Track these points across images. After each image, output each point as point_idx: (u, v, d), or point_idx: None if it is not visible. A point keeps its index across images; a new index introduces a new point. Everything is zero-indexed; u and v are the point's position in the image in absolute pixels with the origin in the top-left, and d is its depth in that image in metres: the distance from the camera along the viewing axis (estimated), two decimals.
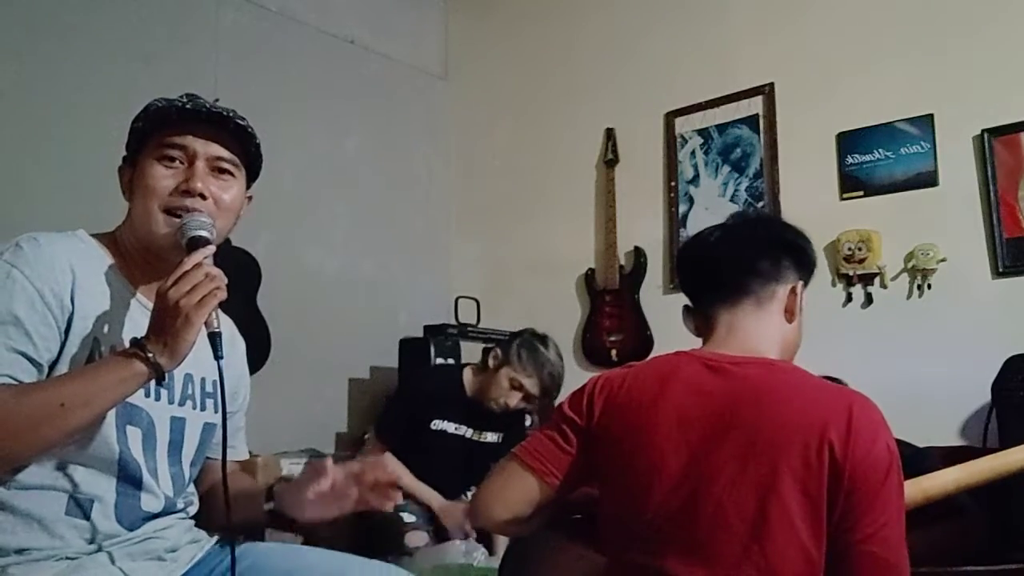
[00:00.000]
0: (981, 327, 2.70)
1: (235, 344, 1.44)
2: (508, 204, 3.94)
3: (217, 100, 1.26)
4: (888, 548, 1.09)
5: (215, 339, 1.13)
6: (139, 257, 1.25)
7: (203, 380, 1.32)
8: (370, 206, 3.70)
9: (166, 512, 1.24)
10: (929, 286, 2.82)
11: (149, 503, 1.21)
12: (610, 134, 3.62)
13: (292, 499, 1.26)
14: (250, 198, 1.35)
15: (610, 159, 3.59)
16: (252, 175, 1.33)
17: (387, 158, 3.83)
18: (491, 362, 2.76)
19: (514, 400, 2.71)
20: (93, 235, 1.26)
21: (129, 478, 1.18)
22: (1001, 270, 2.71)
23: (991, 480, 1.31)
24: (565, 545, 1.39)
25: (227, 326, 1.39)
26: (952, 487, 1.28)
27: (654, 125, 3.53)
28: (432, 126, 4.11)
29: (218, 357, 1.13)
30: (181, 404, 1.28)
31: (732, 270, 1.33)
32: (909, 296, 2.86)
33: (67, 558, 1.13)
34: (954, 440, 2.68)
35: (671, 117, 3.49)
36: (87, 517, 1.14)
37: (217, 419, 1.34)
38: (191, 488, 1.34)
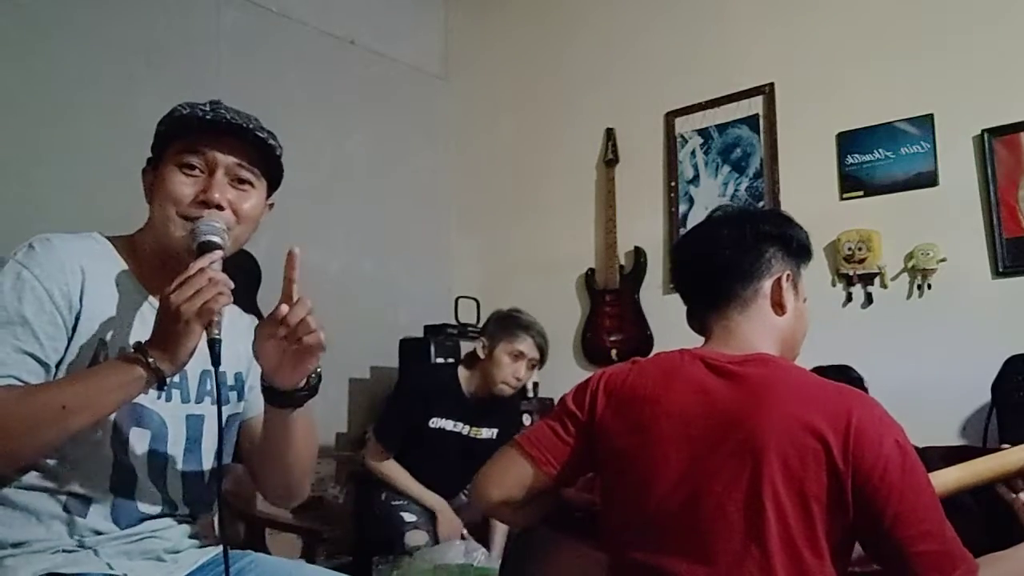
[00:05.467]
0: (981, 327, 2.70)
1: (236, 326, 1.39)
2: (508, 204, 3.94)
3: (218, 101, 1.27)
4: (934, 539, 1.09)
5: (214, 346, 1.12)
6: (156, 261, 1.24)
7: (223, 375, 1.31)
8: (370, 206, 3.71)
9: (165, 514, 1.24)
10: (929, 286, 2.82)
11: (146, 506, 1.21)
12: (610, 134, 3.62)
13: (265, 362, 1.20)
14: (271, 206, 1.35)
15: (610, 159, 3.59)
16: (273, 184, 1.34)
17: (387, 158, 3.83)
18: (482, 352, 2.78)
19: (522, 371, 2.75)
20: (110, 237, 1.27)
21: (125, 481, 1.19)
22: (1001, 270, 2.72)
23: (992, 480, 1.31)
24: (567, 543, 1.39)
25: (247, 318, 1.41)
26: (953, 486, 1.28)
27: (654, 125, 3.53)
28: (432, 126, 4.11)
29: (216, 364, 1.12)
30: (198, 402, 1.28)
31: (713, 275, 1.32)
32: (909, 296, 2.87)
33: (63, 551, 1.14)
34: (954, 440, 2.69)
35: (671, 117, 3.50)
36: (83, 516, 1.16)
37: (239, 408, 1.37)
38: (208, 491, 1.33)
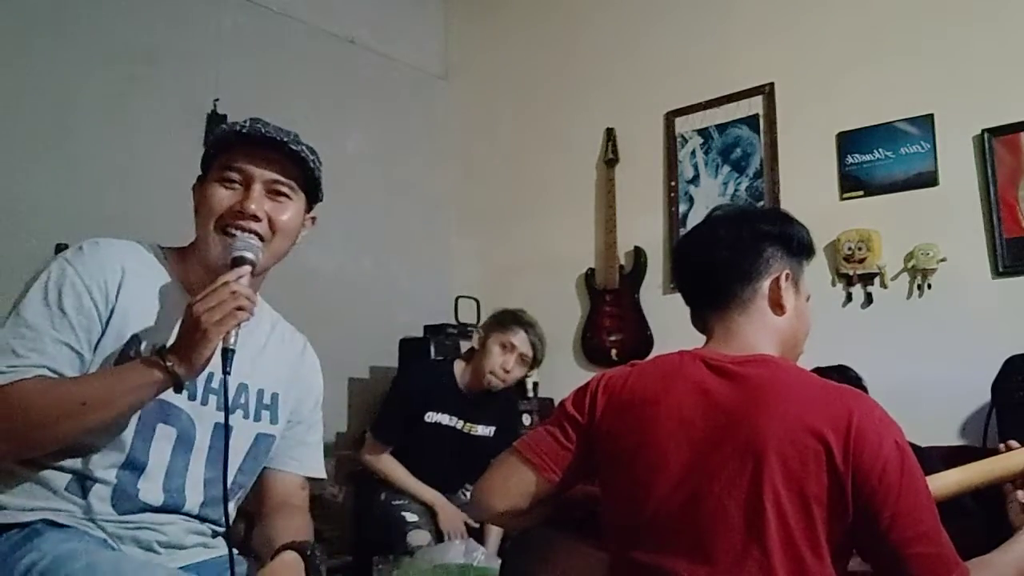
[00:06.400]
0: (981, 327, 2.70)
1: (304, 358, 1.51)
2: (508, 204, 3.94)
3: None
4: (930, 542, 1.09)
5: (227, 355, 1.18)
6: (202, 273, 1.29)
7: (260, 391, 1.37)
8: (370, 206, 3.70)
9: (169, 510, 1.26)
10: (929, 286, 2.82)
11: (148, 495, 1.24)
12: (610, 134, 3.62)
13: None
14: (314, 219, 1.41)
15: (610, 159, 3.59)
16: (313, 197, 1.39)
17: (387, 158, 3.83)
18: (477, 343, 2.84)
19: (511, 362, 2.76)
20: (163, 247, 1.34)
21: (133, 469, 1.22)
22: (1001, 270, 2.72)
23: (993, 483, 1.31)
24: (567, 542, 1.39)
25: (299, 340, 1.49)
26: (954, 488, 1.28)
27: (654, 125, 3.53)
28: (432, 126, 4.11)
29: (226, 372, 1.18)
30: (231, 412, 1.30)
31: (712, 275, 1.32)
32: (909, 296, 2.87)
33: (63, 511, 1.19)
34: (954, 440, 2.69)
35: (671, 117, 3.50)
36: (84, 496, 1.20)
37: (275, 431, 1.40)
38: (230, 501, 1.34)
